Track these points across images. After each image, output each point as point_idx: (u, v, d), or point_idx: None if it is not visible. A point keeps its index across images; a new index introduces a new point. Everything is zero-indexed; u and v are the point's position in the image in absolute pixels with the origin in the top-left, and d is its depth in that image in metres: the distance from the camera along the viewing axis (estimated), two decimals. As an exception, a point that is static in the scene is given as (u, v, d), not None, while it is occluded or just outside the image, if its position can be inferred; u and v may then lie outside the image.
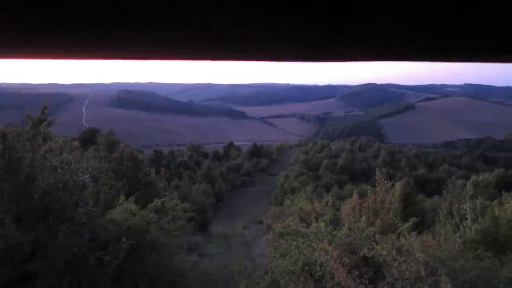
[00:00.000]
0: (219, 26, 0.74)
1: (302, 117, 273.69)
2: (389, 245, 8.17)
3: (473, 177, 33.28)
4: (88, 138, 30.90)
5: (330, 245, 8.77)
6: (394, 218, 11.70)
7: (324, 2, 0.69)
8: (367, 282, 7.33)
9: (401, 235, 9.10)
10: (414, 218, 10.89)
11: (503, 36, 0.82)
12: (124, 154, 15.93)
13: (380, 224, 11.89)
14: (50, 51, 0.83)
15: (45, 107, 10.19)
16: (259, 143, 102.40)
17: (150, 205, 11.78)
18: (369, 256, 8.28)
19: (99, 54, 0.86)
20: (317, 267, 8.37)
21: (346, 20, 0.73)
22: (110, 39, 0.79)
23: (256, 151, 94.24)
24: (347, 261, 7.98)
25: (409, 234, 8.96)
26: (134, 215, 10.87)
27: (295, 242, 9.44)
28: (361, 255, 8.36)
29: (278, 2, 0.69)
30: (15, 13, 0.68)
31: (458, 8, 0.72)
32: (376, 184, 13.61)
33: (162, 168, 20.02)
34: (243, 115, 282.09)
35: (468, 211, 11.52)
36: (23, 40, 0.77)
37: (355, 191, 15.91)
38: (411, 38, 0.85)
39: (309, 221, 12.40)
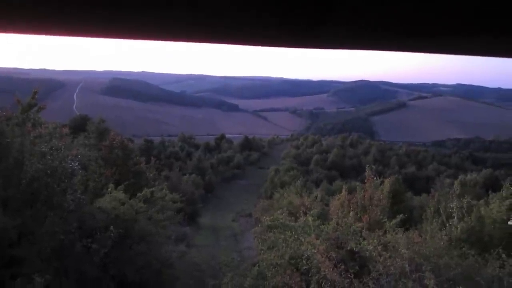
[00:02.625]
0: (205, 10, 0.74)
1: (294, 111, 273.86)
2: (375, 240, 8.26)
3: (461, 177, 33.78)
4: (79, 126, 30.66)
5: (317, 239, 8.84)
6: (381, 215, 11.80)
7: None
8: (352, 276, 7.40)
9: (387, 232, 9.20)
10: (401, 215, 11.03)
11: (493, 28, 0.79)
12: (114, 142, 15.81)
13: (368, 220, 11.99)
14: (36, 26, 0.82)
15: (35, 93, 10.05)
16: (250, 136, 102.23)
17: (139, 194, 11.74)
18: (355, 251, 8.36)
19: (92, 32, 0.85)
20: (304, 261, 8.43)
21: (329, 7, 0.72)
22: (104, 17, 0.78)
23: (248, 144, 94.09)
24: (334, 256, 8.04)
25: (394, 230, 9.06)
26: (123, 204, 10.84)
27: (282, 236, 9.49)
28: (348, 249, 8.43)
29: None
30: None
31: None
32: (366, 181, 13.67)
33: (152, 158, 19.94)
34: (235, 108, 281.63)
35: (455, 209, 11.63)
36: (15, 15, 0.76)
37: (344, 186, 15.98)
38: (395, 27, 0.83)
39: (297, 215, 12.45)
